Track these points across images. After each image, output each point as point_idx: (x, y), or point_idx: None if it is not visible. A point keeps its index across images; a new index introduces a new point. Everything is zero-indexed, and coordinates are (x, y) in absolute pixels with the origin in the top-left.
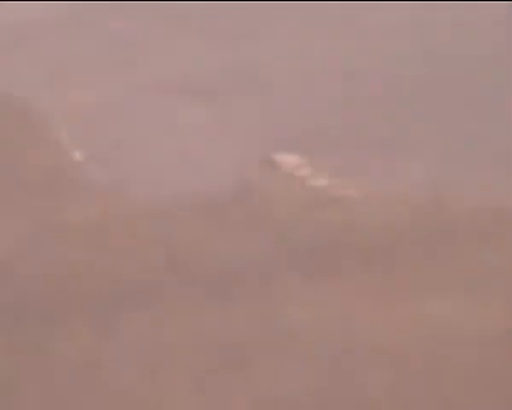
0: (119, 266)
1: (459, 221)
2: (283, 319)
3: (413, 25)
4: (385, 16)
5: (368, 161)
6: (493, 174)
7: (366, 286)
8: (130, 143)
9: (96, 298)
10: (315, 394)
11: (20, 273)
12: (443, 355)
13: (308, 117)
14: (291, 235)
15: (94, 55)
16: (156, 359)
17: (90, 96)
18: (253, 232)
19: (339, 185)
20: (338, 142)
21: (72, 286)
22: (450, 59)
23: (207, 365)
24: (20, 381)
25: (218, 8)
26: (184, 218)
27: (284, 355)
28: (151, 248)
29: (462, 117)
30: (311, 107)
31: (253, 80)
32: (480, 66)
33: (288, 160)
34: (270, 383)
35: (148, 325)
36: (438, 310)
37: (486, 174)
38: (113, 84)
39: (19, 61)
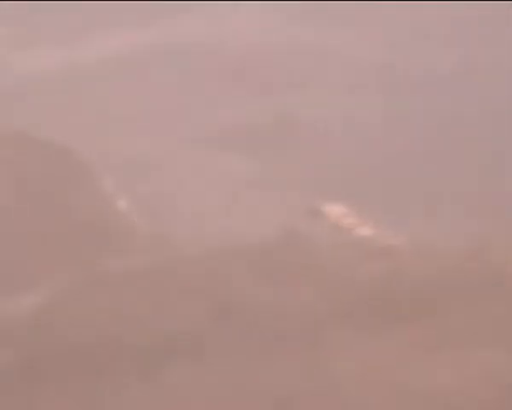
0: (162, 318)
1: (503, 273)
2: (331, 372)
3: (439, 82)
4: (414, 71)
5: (411, 211)
6: None
7: (413, 338)
8: (174, 193)
9: (140, 350)
10: None
11: (62, 324)
12: (487, 400)
13: (352, 167)
14: (337, 286)
15: (138, 108)
16: None
17: (134, 146)
18: (299, 283)
19: (384, 236)
20: (382, 191)
21: (115, 338)
22: (478, 117)
23: None
24: None
25: (258, 58)
26: (228, 268)
27: (333, 409)
28: (194, 299)
29: (506, 172)
30: (354, 157)
31: (295, 131)
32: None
33: (334, 209)
34: None
35: (190, 379)
36: (484, 360)
37: None
38: (157, 135)
39: (65, 107)
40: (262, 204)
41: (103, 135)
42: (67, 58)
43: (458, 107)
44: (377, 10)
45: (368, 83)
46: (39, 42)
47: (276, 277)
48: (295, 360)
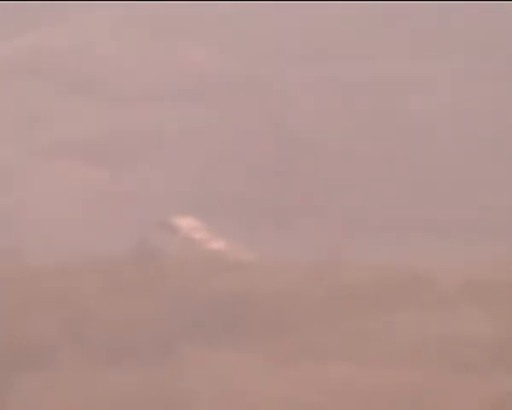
0: (12, 328)
1: (354, 288)
2: (183, 386)
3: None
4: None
5: (262, 226)
6: (393, 244)
7: (263, 350)
8: (27, 206)
9: None
10: None
11: None
12: None
13: (203, 180)
14: (188, 300)
15: None
16: None
17: None
18: (149, 295)
19: (235, 249)
20: (233, 205)
21: None
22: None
23: None
24: None
25: (121, 73)
26: (79, 279)
27: None
28: (44, 309)
29: (361, 185)
30: (205, 170)
31: (145, 143)
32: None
33: (185, 223)
34: None
35: (39, 388)
36: (336, 374)
37: (385, 244)
38: (11, 147)
39: None
40: (112, 217)
41: None
42: None
43: (317, 121)
44: (233, 26)
45: (223, 94)
46: None
47: (127, 290)
48: (146, 372)
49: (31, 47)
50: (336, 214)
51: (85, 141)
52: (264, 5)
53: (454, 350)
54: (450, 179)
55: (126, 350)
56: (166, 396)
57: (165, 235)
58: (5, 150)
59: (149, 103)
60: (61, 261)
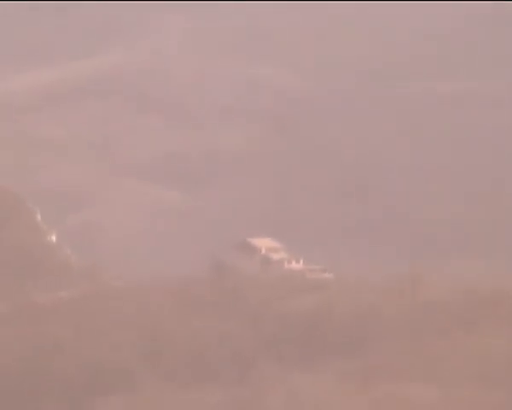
0: (92, 350)
1: (434, 306)
2: (258, 404)
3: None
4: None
5: (341, 245)
6: (471, 261)
7: (343, 372)
8: (104, 225)
9: (69, 381)
10: None
11: None
12: None
13: (283, 201)
14: (267, 320)
15: (68, 138)
16: None
17: (64, 177)
18: (228, 317)
19: (313, 270)
20: (312, 226)
21: (45, 369)
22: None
23: None
24: None
25: (190, 92)
26: (157, 301)
27: None
28: (123, 331)
29: (438, 204)
30: (285, 191)
31: (226, 164)
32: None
33: (264, 243)
34: None
35: None
36: (414, 395)
37: (463, 261)
38: (87, 166)
39: None
40: (192, 236)
41: (33, 167)
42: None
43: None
44: (307, 44)
45: (294, 114)
46: None
47: (205, 310)
48: (224, 392)
49: (100, 69)
50: (414, 233)
51: (156, 161)
52: (331, 24)
53: None
54: None
55: (203, 371)
56: None
57: (243, 255)
58: (77, 171)
59: (219, 123)
60: (136, 282)
